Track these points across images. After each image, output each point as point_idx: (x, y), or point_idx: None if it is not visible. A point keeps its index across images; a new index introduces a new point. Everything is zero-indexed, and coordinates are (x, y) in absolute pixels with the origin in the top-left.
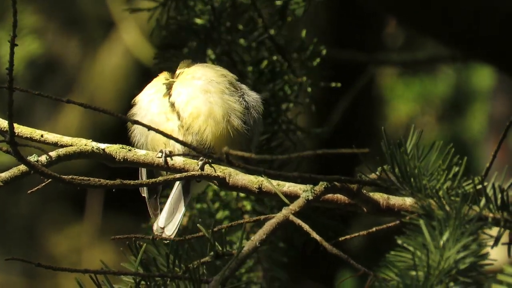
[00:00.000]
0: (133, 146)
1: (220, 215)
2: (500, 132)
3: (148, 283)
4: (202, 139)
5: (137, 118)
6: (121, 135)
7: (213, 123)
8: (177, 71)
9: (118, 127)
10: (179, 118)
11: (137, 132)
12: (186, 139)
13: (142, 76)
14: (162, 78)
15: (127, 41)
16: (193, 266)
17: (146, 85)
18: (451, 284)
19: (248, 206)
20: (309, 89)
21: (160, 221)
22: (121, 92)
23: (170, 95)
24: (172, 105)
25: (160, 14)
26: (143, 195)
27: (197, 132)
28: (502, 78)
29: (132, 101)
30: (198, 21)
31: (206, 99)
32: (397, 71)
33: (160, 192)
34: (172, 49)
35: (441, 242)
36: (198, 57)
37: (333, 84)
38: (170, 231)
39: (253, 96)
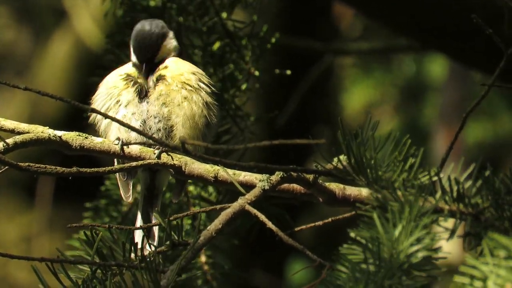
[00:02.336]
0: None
1: (167, 197)
2: (451, 121)
3: (104, 271)
4: (169, 118)
5: (96, 101)
6: (72, 124)
7: (189, 112)
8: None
9: (69, 116)
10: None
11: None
12: (151, 109)
13: (93, 64)
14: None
15: (78, 30)
16: (150, 256)
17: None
18: (404, 278)
19: (194, 191)
20: (256, 73)
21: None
22: (72, 80)
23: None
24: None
25: None
26: (116, 176)
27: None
28: (454, 67)
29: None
30: (151, 2)
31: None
32: (355, 61)
33: (132, 175)
34: (126, 29)
35: (394, 235)
36: None
37: (288, 72)
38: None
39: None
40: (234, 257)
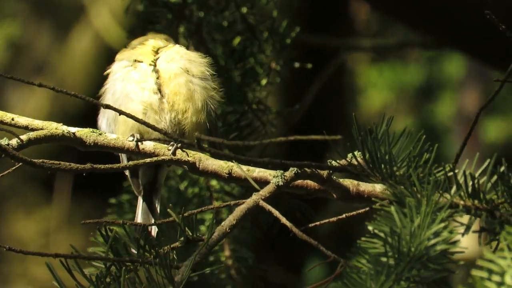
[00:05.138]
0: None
1: (190, 192)
2: (470, 120)
3: (119, 268)
4: (182, 119)
5: (109, 93)
6: (91, 119)
7: (193, 109)
8: (157, 44)
9: (88, 111)
10: (160, 93)
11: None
12: (165, 115)
13: (112, 60)
14: (149, 49)
15: (97, 25)
16: (164, 252)
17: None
18: (422, 271)
19: (217, 185)
20: (278, 67)
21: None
22: (91, 75)
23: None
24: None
25: None
26: (126, 174)
27: (180, 110)
28: (472, 66)
29: (105, 72)
30: None
31: (187, 82)
32: (370, 58)
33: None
34: (147, 25)
35: (412, 229)
36: (171, 35)
37: (308, 66)
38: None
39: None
40: (257, 252)
